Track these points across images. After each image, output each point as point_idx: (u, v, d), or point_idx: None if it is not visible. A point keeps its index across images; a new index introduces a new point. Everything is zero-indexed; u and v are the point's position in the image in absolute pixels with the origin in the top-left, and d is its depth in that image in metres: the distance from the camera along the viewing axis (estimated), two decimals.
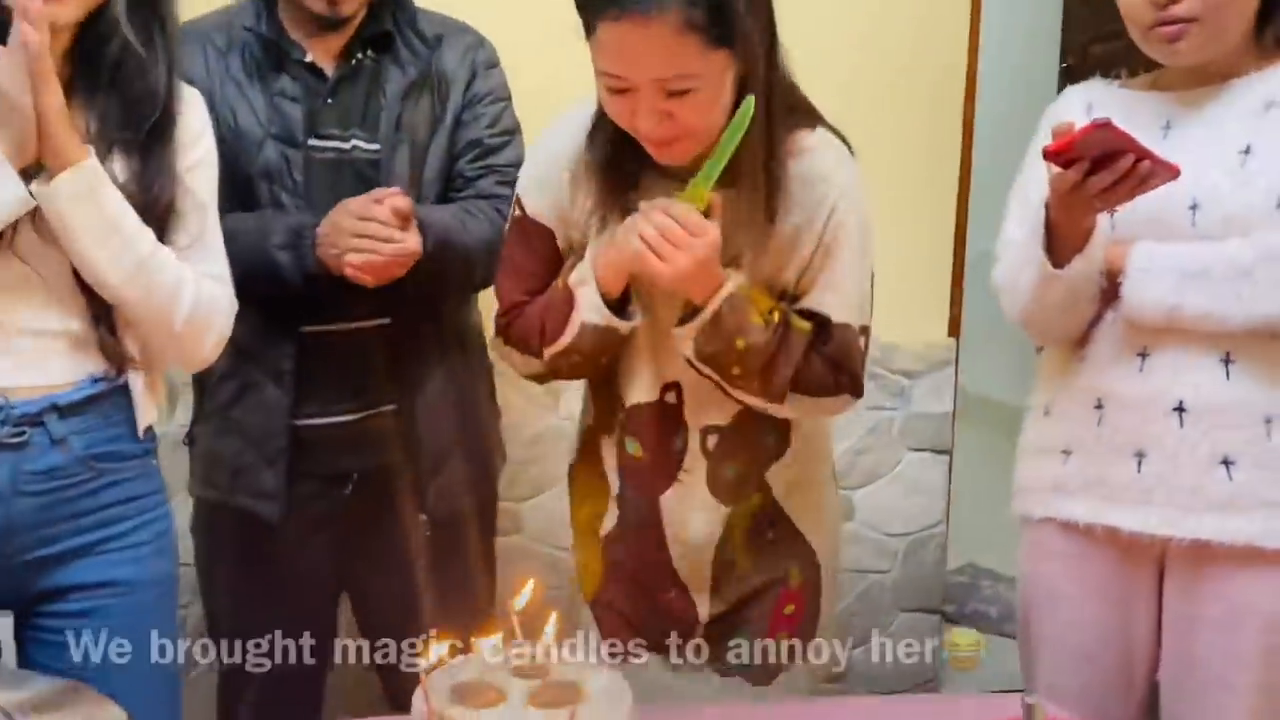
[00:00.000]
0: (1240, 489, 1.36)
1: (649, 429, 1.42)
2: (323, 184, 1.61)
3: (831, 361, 1.36)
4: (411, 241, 1.53)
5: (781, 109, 1.30)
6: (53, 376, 1.30)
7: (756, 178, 1.29)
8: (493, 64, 1.73)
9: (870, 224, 1.38)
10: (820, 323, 1.36)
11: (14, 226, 1.24)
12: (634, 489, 1.45)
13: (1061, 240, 1.40)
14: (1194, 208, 1.39)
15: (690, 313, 1.31)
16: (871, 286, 1.41)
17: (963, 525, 2.73)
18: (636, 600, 1.48)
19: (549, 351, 1.38)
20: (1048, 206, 1.40)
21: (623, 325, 1.33)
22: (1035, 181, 1.46)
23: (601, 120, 1.31)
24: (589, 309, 1.32)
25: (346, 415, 1.67)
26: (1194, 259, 1.37)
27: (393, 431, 1.68)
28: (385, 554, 1.72)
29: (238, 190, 1.58)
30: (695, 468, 1.42)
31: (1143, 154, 1.30)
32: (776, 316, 1.32)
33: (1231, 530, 1.37)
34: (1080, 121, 1.37)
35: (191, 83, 1.44)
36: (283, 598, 1.69)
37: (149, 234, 1.29)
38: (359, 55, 1.63)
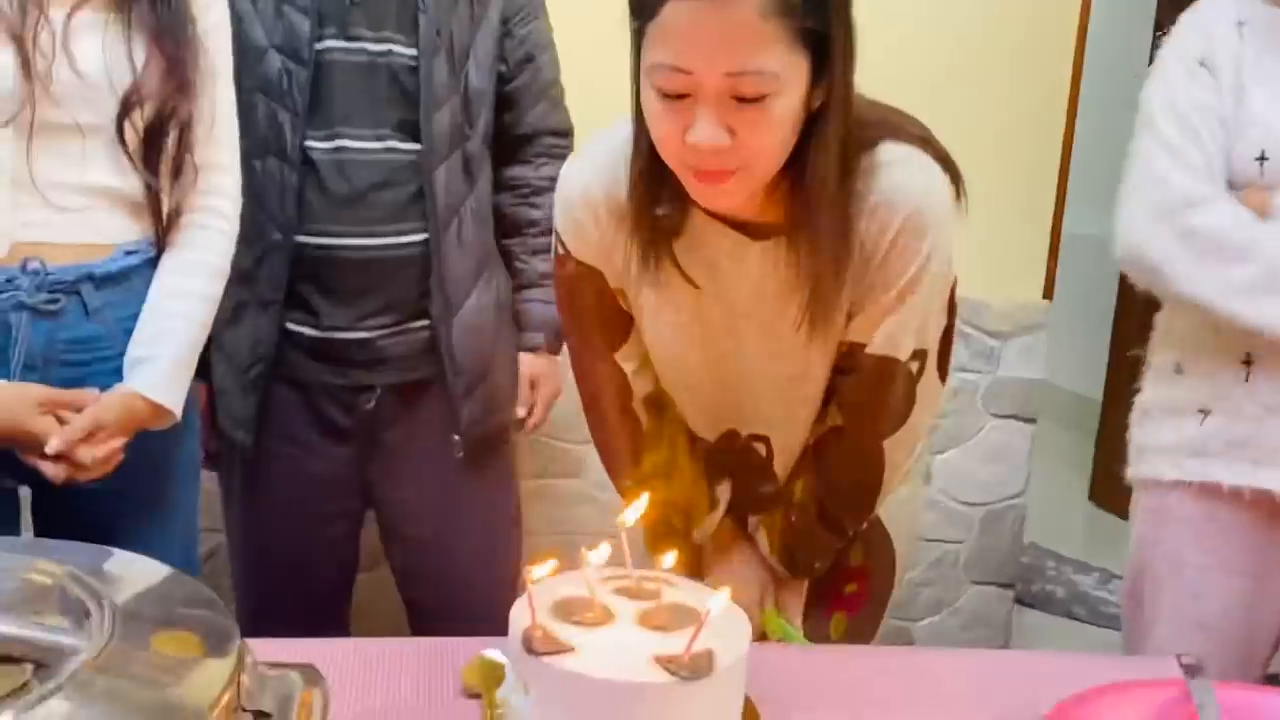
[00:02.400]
0: None
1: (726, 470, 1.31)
2: (356, 89, 1.52)
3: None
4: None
5: (852, 141, 1.06)
6: (91, 236, 1.27)
7: (824, 234, 1.06)
8: None
9: (947, 244, 1.11)
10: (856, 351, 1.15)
11: (50, 68, 1.20)
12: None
13: None
14: None
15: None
16: (951, 307, 1.18)
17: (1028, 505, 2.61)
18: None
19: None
20: None
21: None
22: (1186, 94, 1.33)
23: (640, 150, 1.08)
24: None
25: (374, 330, 1.60)
26: None
27: (424, 349, 1.61)
28: (414, 472, 1.67)
29: (238, 104, 1.47)
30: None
31: None
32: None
33: None
34: (1229, 38, 1.28)
35: None
36: (303, 510, 1.66)
37: (198, 321, 1.34)
38: None
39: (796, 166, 1.04)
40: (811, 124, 1.02)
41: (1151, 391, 1.47)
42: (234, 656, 0.68)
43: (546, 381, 1.77)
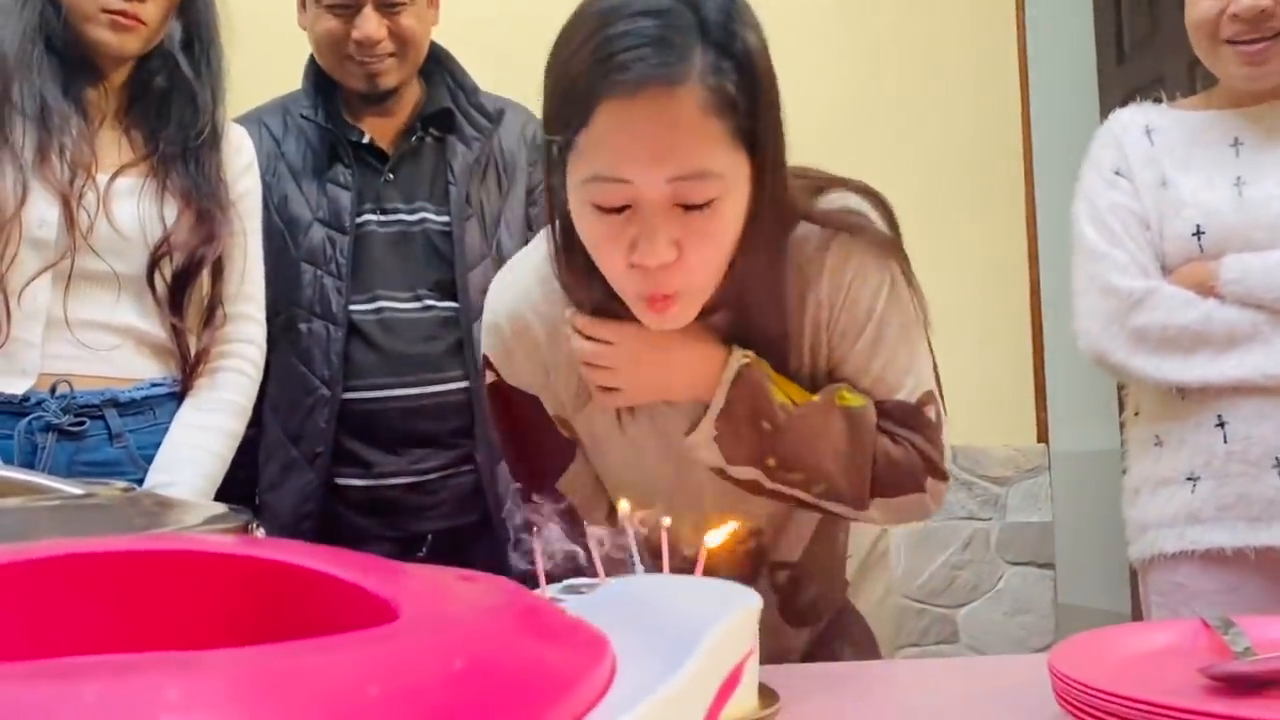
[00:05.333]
0: None
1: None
2: (393, 255, 1.64)
3: (901, 442, 1.06)
4: None
5: (787, 223, 1.02)
6: (116, 371, 1.35)
7: (761, 328, 1.02)
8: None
9: (907, 279, 1.07)
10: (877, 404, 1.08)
11: (91, 221, 1.31)
12: None
13: None
14: None
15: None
16: (931, 353, 1.11)
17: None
18: None
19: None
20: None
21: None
22: (1105, 201, 1.45)
23: (568, 264, 1.00)
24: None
25: (425, 475, 1.62)
26: None
27: (471, 492, 1.63)
28: None
29: (284, 273, 1.61)
30: (764, 599, 1.18)
31: None
32: (813, 398, 1.04)
33: None
34: (1139, 144, 1.40)
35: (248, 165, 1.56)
36: None
37: (217, 454, 1.40)
38: (419, 134, 1.68)
39: (732, 275, 0.98)
40: (747, 232, 0.95)
41: (1137, 469, 1.48)
42: None
43: None
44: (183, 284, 1.37)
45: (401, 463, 1.62)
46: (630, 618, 0.41)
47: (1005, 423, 2.40)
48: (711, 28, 0.89)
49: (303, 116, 1.66)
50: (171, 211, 1.37)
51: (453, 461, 1.64)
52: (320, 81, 1.67)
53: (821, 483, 1.04)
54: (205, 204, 1.38)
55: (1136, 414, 1.51)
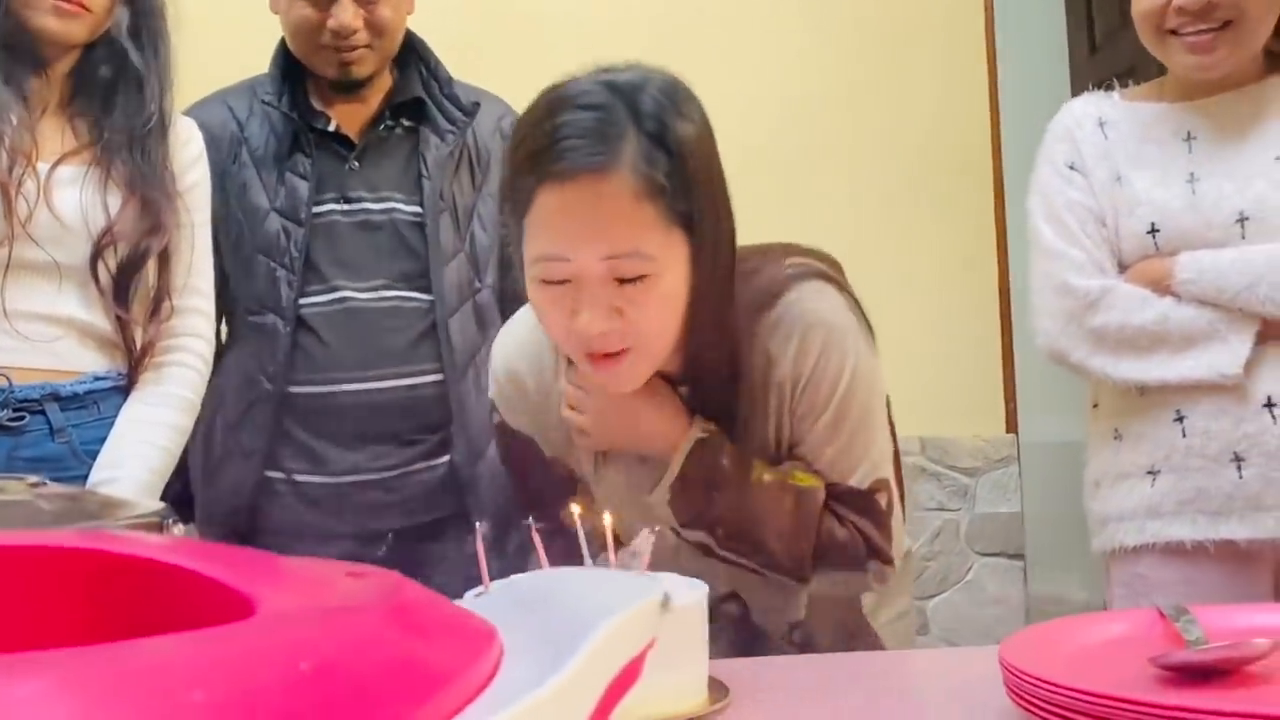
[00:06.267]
0: None
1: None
2: (357, 245, 1.59)
3: (847, 525, 1.10)
4: None
5: (741, 306, 1.08)
6: (58, 363, 1.31)
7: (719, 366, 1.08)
8: None
9: (871, 366, 1.10)
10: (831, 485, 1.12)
11: (30, 210, 1.28)
12: None
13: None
14: (1243, 220, 1.35)
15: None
16: (893, 438, 1.16)
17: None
18: None
19: None
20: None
21: None
22: (1061, 198, 1.44)
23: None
24: None
25: (382, 472, 1.58)
26: (1240, 259, 1.33)
27: (437, 487, 1.59)
28: None
29: (241, 264, 1.57)
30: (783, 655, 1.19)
31: None
32: (765, 476, 1.08)
33: None
34: (1092, 138, 1.39)
35: (205, 147, 1.51)
36: None
37: (163, 448, 1.36)
38: (389, 122, 1.64)
39: (687, 349, 1.05)
40: (694, 308, 1.02)
41: (1096, 461, 1.47)
42: None
43: None
44: (128, 275, 1.34)
45: (359, 459, 1.58)
46: (531, 612, 0.40)
47: (973, 413, 2.39)
48: (645, 120, 0.96)
49: (264, 102, 1.61)
50: (115, 200, 1.33)
51: (415, 457, 1.60)
52: (289, 67, 1.62)
53: (763, 555, 1.09)
54: (150, 193, 1.35)
55: (1095, 406, 1.50)
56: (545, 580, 0.63)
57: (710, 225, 1.01)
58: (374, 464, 1.58)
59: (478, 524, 0.76)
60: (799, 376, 1.07)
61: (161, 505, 0.60)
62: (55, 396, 1.31)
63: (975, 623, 2.37)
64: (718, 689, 0.82)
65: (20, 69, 1.32)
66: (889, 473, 1.12)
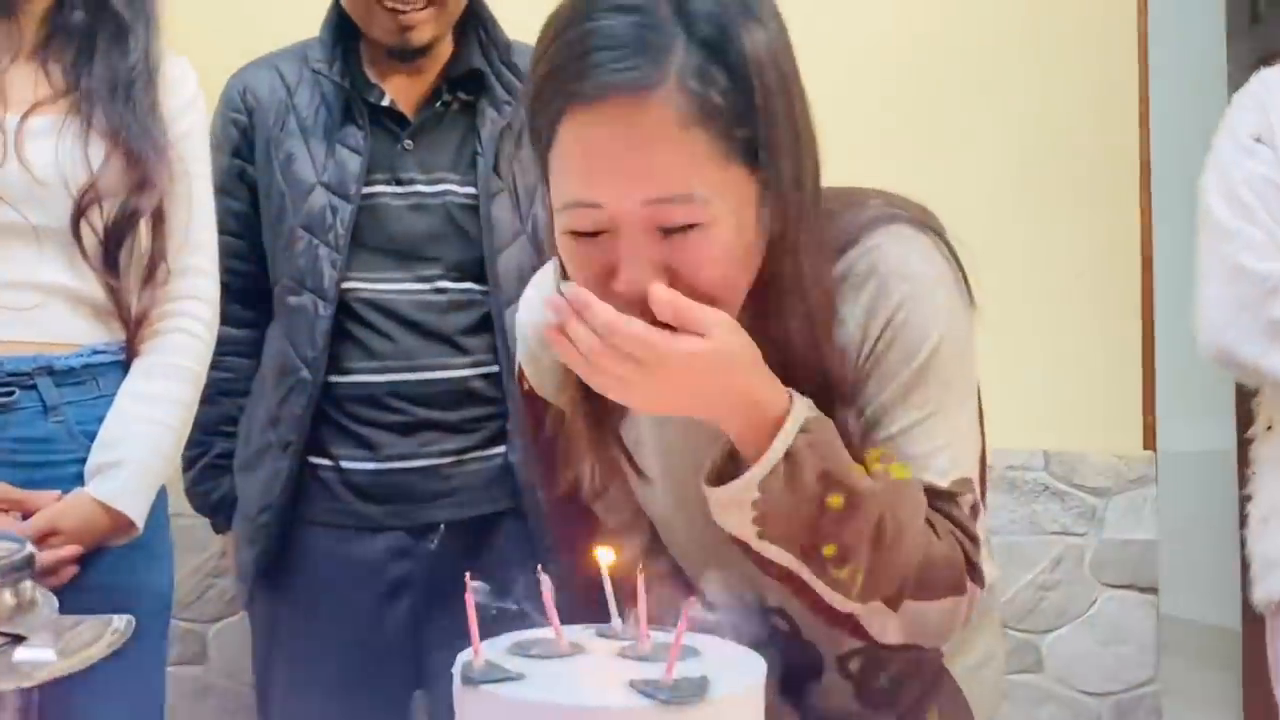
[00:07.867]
0: None
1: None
2: (407, 231, 1.49)
3: (942, 532, 0.87)
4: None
5: (825, 256, 0.88)
6: (46, 334, 1.21)
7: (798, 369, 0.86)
8: None
9: (965, 332, 0.90)
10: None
11: (0, 170, 1.17)
12: None
13: None
14: None
15: (730, 463, 0.84)
16: (982, 437, 0.94)
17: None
18: None
19: None
20: None
21: None
22: (1240, 171, 1.27)
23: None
24: None
25: (434, 459, 1.50)
26: None
27: (494, 478, 1.51)
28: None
29: (282, 238, 1.49)
30: (834, 687, 1.00)
31: None
32: (880, 464, 0.87)
33: None
34: None
35: (253, 113, 1.46)
36: (348, 685, 1.47)
37: (168, 426, 1.25)
38: (445, 97, 1.51)
39: (759, 302, 0.85)
40: (772, 264, 0.84)
41: (1266, 494, 1.28)
42: None
43: None
44: (117, 238, 1.22)
45: (411, 445, 1.49)
46: None
47: (1107, 426, 2.14)
48: (698, 23, 0.78)
49: (316, 70, 1.49)
50: (98, 153, 1.20)
51: (469, 446, 1.51)
52: (342, 31, 1.50)
53: (884, 582, 0.84)
54: (137, 145, 1.22)
55: (1270, 428, 1.29)
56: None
57: (786, 160, 0.82)
58: (426, 449, 1.49)
59: (471, 583, 0.70)
60: (870, 335, 0.87)
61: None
62: (49, 370, 1.20)
63: (1097, 663, 2.12)
64: None
65: None
66: (974, 472, 0.89)
